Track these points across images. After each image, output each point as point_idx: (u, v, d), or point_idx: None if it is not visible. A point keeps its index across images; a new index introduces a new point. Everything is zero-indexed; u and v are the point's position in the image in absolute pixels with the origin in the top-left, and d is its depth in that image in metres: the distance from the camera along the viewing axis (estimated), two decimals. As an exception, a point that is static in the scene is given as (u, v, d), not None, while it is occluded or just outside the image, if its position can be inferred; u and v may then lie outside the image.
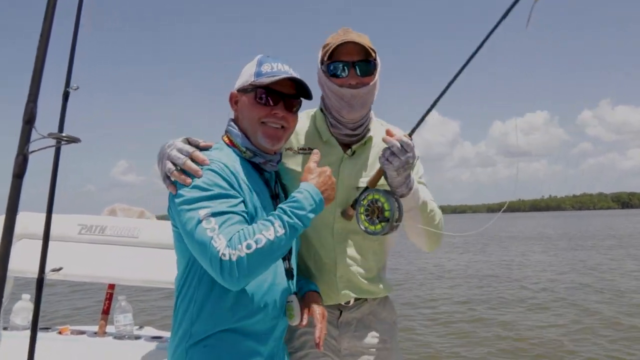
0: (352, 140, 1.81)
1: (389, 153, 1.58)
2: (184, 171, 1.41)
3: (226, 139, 1.61)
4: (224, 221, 1.33)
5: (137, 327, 3.61)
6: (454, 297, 10.35)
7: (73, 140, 1.25)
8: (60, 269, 2.36)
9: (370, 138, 1.83)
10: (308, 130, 1.84)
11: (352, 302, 1.83)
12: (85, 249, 3.02)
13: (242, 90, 1.58)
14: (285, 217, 1.35)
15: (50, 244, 3.11)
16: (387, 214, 1.60)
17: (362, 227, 1.65)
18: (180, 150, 1.43)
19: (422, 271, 14.66)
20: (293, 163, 1.79)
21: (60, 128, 1.52)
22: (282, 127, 1.57)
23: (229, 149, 1.58)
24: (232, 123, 1.61)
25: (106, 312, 3.09)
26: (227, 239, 1.30)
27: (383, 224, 1.61)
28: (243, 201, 1.44)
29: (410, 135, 1.61)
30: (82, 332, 3.02)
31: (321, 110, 1.85)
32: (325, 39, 1.76)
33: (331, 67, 1.70)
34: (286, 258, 1.61)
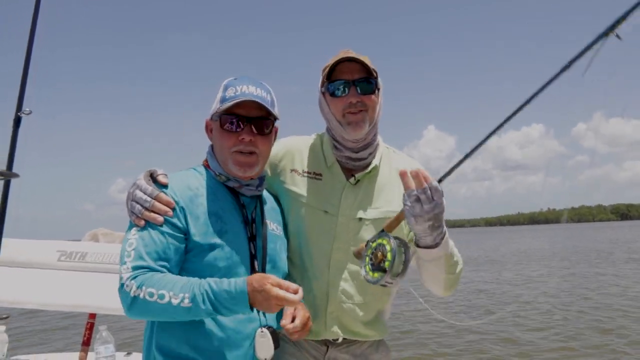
0: (356, 166, 1.73)
1: (414, 198, 1.35)
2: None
3: (205, 162, 1.64)
4: (141, 243, 1.37)
5: (125, 353, 3.47)
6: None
7: (10, 175, 1.14)
8: (7, 317, 2.26)
9: (376, 167, 1.74)
10: (316, 153, 1.78)
11: (340, 339, 1.71)
12: (65, 277, 2.90)
13: (213, 119, 1.58)
14: (199, 297, 1.29)
15: (28, 271, 3.00)
16: (386, 264, 1.39)
17: (363, 272, 1.46)
18: (144, 191, 1.43)
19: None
20: (295, 185, 1.73)
21: (11, 155, 1.40)
22: (254, 152, 1.52)
23: (203, 170, 1.60)
24: (210, 149, 1.63)
25: (87, 343, 2.97)
26: (134, 266, 1.33)
27: (380, 273, 1.41)
28: (174, 224, 1.42)
29: (439, 181, 1.39)
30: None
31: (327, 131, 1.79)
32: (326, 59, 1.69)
33: (331, 87, 1.64)
34: None
